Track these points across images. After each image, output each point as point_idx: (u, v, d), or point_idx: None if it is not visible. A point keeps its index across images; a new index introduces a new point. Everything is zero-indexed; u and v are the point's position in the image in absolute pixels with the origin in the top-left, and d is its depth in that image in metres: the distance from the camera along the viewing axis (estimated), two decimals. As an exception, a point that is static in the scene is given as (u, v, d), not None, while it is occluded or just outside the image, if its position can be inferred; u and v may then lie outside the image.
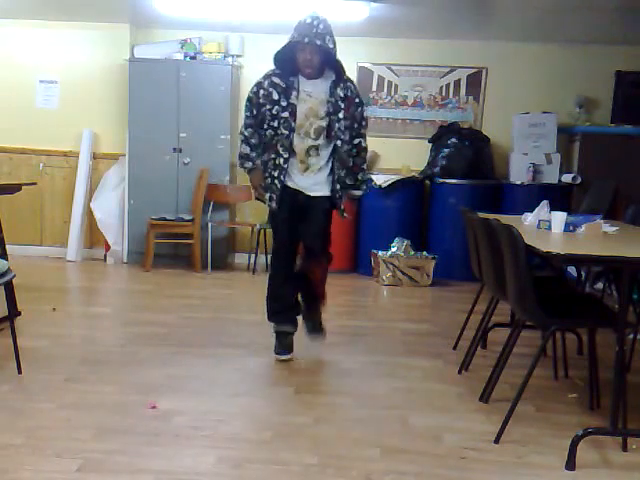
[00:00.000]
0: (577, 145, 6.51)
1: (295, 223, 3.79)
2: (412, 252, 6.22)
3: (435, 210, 6.66)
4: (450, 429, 3.01)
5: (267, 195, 3.76)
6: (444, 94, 6.92)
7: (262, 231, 6.59)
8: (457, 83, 6.89)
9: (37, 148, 6.90)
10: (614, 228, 3.63)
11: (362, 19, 5.82)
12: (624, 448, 2.83)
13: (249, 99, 3.76)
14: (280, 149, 3.68)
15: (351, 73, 6.68)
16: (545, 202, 3.76)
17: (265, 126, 3.70)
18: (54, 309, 4.79)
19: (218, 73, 6.50)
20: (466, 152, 6.46)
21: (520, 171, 6.51)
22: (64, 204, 6.94)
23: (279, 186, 3.71)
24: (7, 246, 4.49)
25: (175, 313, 4.87)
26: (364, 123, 3.82)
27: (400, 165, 6.69)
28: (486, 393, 3.33)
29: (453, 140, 6.51)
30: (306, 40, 3.46)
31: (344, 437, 2.88)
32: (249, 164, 3.76)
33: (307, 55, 3.53)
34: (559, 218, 3.48)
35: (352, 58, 6.86)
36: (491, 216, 3.51)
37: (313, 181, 3.75)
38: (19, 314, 4.43)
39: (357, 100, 3.74)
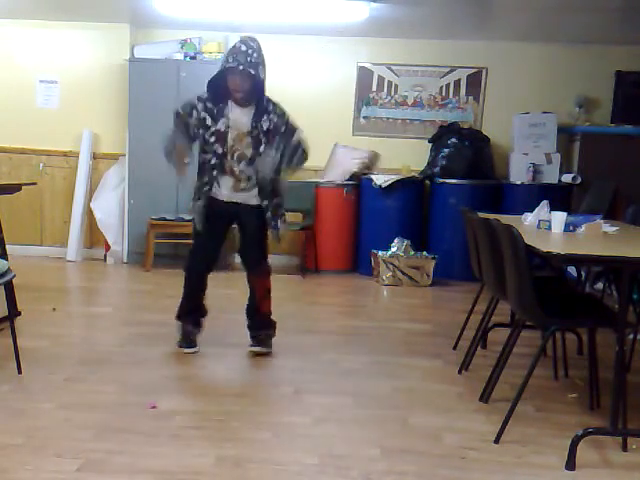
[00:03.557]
0: (577, 145, 6.51)
1: (220, 232, 3.92)
2: (412, 252, 6.22)
3: (435, 210, 6.66)
4: (450, 429, 3.01)
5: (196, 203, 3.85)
6: (444, 94, 6.92)
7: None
8: (457, 83, 6.89)
9: (37, 148, 6.90)
10: (614, 228, 3.63)
11: (362, 19, 5.82)
12: (624, 448, 2.83)
13: (177, 114, 3.80)
14: (206, 173, 3.79)
15: (351, 73, 6.88)
16: (545, 202, 3.77)
17: (200, 150, 3.81)
18: (54, 309, 4.79)
19: (218, 73, 6.49)
20: (466, 152, 6.46)
21: (520, 171, 6.51)
22: (64, 204, 6.95)
23: (205, 202, 3.80)
24: (7, 246, 4.49)
25: (175, 313, 4.86)
26: (298, 131, 3.72)
27: (400, 165, 6.69)
28: (486, 393, 3.33)
29: (453, 140, 6.51)
30: (240, 68, 3.55)
31: (344, 437, 2.88)
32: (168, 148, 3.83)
33: (238, 80, 3.61)
34: (559, 218, 3.48)
35: (352, 58, 6.88)
36: (491, 216, 3.51)
37: (245, 195, 3.81)
38: (19, 314, 4.43)
39: (283, 129, 3.72)
